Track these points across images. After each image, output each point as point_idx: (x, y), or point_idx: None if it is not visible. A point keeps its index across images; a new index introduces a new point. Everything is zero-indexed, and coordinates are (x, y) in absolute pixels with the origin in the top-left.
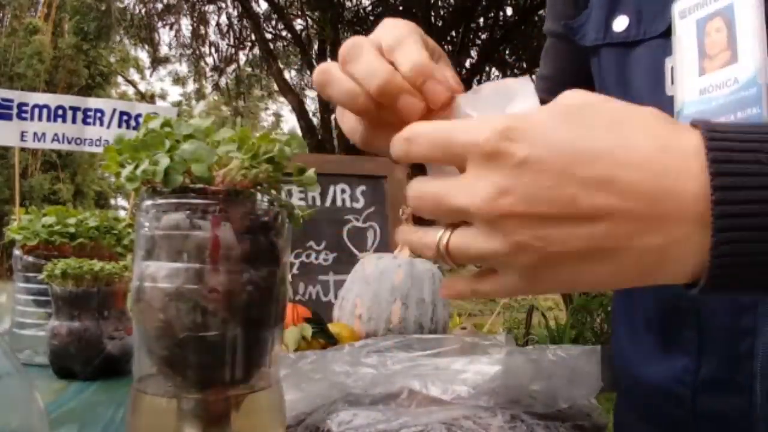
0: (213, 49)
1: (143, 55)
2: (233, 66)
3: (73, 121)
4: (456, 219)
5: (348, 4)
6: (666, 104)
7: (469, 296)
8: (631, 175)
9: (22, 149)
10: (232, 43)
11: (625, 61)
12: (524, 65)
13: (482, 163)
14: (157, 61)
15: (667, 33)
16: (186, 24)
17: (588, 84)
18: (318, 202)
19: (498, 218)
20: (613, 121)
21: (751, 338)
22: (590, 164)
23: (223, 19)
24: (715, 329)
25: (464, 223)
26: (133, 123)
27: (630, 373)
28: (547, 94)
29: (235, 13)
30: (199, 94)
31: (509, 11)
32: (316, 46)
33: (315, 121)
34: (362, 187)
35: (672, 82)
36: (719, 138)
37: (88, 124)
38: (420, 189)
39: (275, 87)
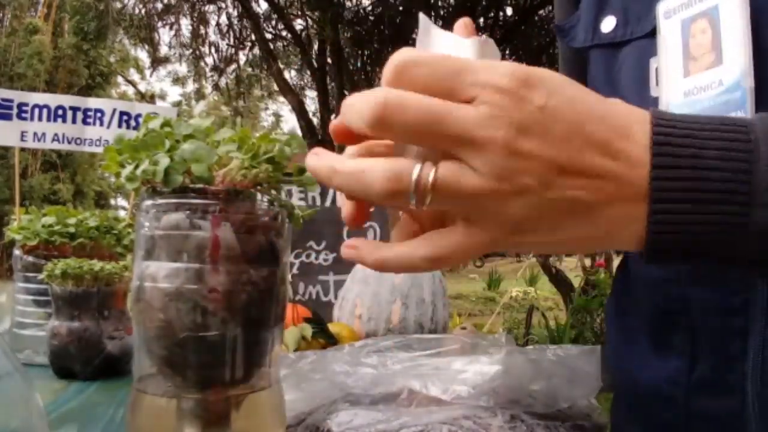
0: (213, 49)
1: (143, 55)
2: (233, 66)
3: (73, 121)
4: (445, 147)
5: (348, 4)
6: (651, 105)
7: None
8: (622, 141)
9: (22, 149)
10: (232, 43)
11: (613, 62)
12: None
13: (499, 103)
14: (156, 61)
15: (652, 33)
16: (186, 24)
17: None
18: (318, 202)
19: (513, 156)
20: (598, 97)
21: (742, 339)
22: (595, 124)
23: (223, 19)
24: (706, 330)
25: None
26: (133, 123)
27: (624, 375)
28: None
29: (235, 13)
30: (199, 95)
31: (509, 11)
32: (316, 46)
33: (315, 121)
34: None
35: (656, 83)
36: (664, 124)
37: (88, 124)
38: (398, 95)
39: (275, 87)
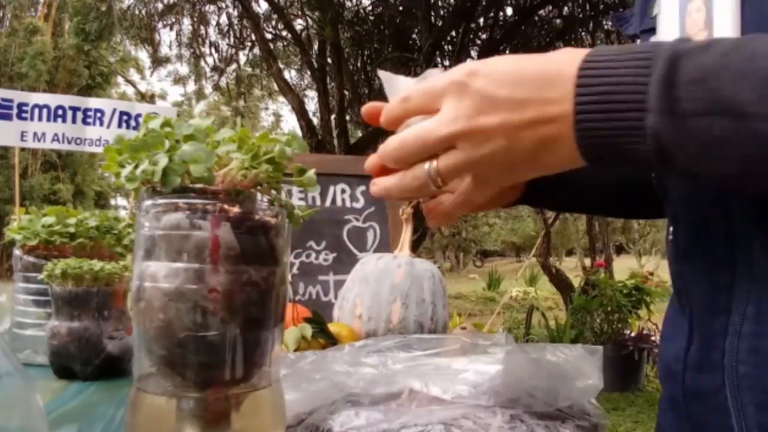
0: (213, 49)
1: (143, 56)
2: (233, 66)
3: (73, 121)
4: (436, 151)
5: (348, 4)
6: None
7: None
8: (549, 88)
9: (22, 149)
10: (232, 43)
11: None
12: None
13: (449, 104)
14: (157, 62)
15: None
16: (186, 24)
17: None
18: (318, 202)
19: (475, 133)
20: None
21: (725, 317)
22: (526, 85)
23: (224, 19)
24: (698, 309)
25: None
26: (133, 123)
27: (661, 351)
28: None
29: (235, 13)
30: (200, 95)
31: (509, 11)
32: (316, 46)
33: (315, 121)
34: (362, 187)
35: None
36: (589, 59)
37: (88, 124)
38: (399, 139)
39: (275, 87)
